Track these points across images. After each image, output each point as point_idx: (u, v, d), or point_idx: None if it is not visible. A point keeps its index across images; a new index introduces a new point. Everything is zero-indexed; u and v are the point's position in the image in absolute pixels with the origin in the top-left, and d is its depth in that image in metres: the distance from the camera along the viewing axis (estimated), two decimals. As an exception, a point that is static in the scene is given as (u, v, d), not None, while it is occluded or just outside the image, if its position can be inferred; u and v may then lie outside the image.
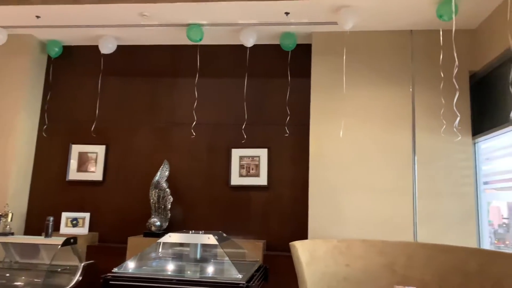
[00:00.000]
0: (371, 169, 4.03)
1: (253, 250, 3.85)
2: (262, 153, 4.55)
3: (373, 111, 4.14)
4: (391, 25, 4.18)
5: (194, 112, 4.72)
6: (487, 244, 3.81)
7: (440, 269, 3.34)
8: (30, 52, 4.80)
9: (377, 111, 4.14)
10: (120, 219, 4.59)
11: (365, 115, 4.14)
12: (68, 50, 5.04)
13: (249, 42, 4.36)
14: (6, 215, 3.26)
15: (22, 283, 3.29)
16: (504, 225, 3.63)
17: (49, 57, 5.06)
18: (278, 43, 4.62)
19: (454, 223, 3.84)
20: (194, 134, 4.68)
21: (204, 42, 4.77)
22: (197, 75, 4.79)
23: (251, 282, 2.65)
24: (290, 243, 3.41)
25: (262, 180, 4.50)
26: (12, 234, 3.29)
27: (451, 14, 3.61)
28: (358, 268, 3.53)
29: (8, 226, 3.27)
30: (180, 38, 4.73)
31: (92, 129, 4.79)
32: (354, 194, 4.01)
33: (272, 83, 4.70)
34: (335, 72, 4.24)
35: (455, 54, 3.98)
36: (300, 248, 3.35)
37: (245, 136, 4.59)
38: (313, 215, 4.00)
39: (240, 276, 2.64)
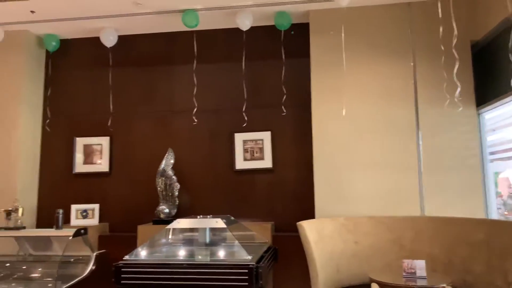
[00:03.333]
0: (375, 146, 4.03)
1: (261, 232, 3.89)
2: (266, 136, 4.56)
3: (374, 87, 4.12)
4: (389, -1, 4.12)
5: (194, 98, 4.72)
6: (495, 216, 3.82)
7: (447, 242, 3.37)
8: (27, 47, 4.78)
9: (379, 87, 4.11)
10: (129, 209, 4.65)
11: (367, 91, 4.12)
12: (66, 44, 5.02)
13: (245, 25, 4.32)
14: (16, 210, 3.31)
15: (38, 275, 3.37)
16: None
17: (47, 52, 5.05)
18: (273, 23, 4.57)
19: (461, 195, 3.85)
20: (196, 120, 4.69)
21: (200, 27, 4.73)
22: (195, 62, 4.77)
23: (261, 263, 2.69)
24: (298, 223, 3.44)
25: (266, 163, 4.52)
26: (24, 228, 3.35)
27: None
28: (366, 244, 3.57)
29: (19, 221, 3.33)
30: (176, 25, 4.69)
31: (109, 123, 4.79)
32: (359, 171, 4.02)
33: (269, 65, 4.67)
34: (334, 50, 4.21)
35: (454, 24, 3.92)
36: (307, 227, 3.38)
37: (246, 119, 4.59)
38: (319, 194, 4.03)
39: (249, 257, 2.68)
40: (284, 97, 4.56)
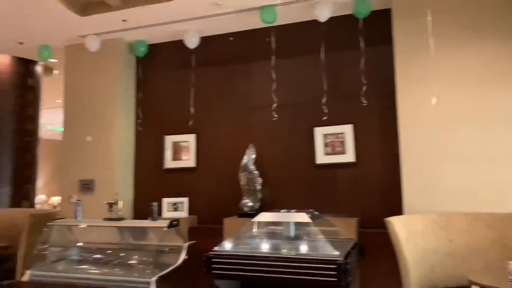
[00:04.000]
0: (471, 136, 3.69)
1: (346, 228, 3.81)
2: (347, 129, 4.45)
3: (470, 73, 3.77)
4: (484, -25, 3.75)
5: (273, 94, 4.75)
6: None
7: (560, 242, 3.00)
8: (120, 54, 5.21)
9: (473, 72, 3.76)
10: (215, 202, 4.84)
11: (460, 77, 3.79)
12: (153, 48, 5.36)
13: (323, 16, 4.24)
14: (117, 203, 3.64)
15: (135, 262, 3.66)
16: None
17: (137, 57, 5.44)
18: (351, 12, 4.40)
19: None
20: (276, 116, 4.72)
21: (277, 22, 4.73)
22: (273, 57, 4.80)
23: (348, 259, 2.64)
24: (386, 219, 3.30)
25: (349, 156, 4.41)
26: (124, 219, 3.67)
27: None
28: (462, 243, 3.31)
29: (120, 212, 3.65)
30: (254, 23, 4.76)
31: (191, 122, 5.03)
32: (453, 164, 3.72)
33: (348, 55, 4.53)
34: (420, 35, 3.93)
35: None
36: (397, 224, 3.24)
37: (326, 111, 4.51)
38: (408, 189, 3.82)
39: (337, 253, 2.64)
40: (365, 88, 4.40)
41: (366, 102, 4.40)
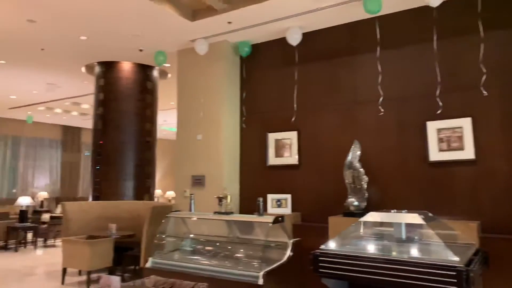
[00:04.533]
0: None
1: (465, 232, 3.45)
2: (465, 123, 4.03)
3: None
4: None
5: (379, 87, 4.52)
6: None
7: None
8: (226, 55, 5.45)
9: None
10: (318, 200, 4.79)
11: None
12: (256, 48, 5.50)
13: (436, 0, 3.89)
14: (225, 197, 3.82)
15: (241, 255, 3.80)
16: None
17: (241, 57, 5.63)
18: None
19: None
20: (382, 110, 4.49)
21: (382, 12, 4.48)
22: (378, 49, 4.56)
23: (471, 266, 2.38)
24: (515, 224, 2.91)
25: (467, 153, 3.99)
26: (232, 213, 3.84)
27: None
28: None
29: (228, 206, 3.83)
30: (357, 14, 4.58)
31: (293, 119, 5.05)
32: None
33: (465, 41, 4.09)
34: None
35: None
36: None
37: (440, 104, 4.14)
38: (543, 190, 3.32)
39: (456, 258, 2.40)
40: (485, 77, 3.93)
41: (486, 92, 3.94)
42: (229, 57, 5.51)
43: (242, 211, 5.27)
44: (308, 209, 4.85)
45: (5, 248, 7.52)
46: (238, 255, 3.86)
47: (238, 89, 5.62)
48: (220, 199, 3.84)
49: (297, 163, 5.01)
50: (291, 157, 5.07)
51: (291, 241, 3.54)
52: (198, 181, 5.36)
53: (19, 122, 11.39)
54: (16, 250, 7.43)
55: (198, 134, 5.46)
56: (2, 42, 5.72)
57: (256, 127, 5.43)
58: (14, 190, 11.45)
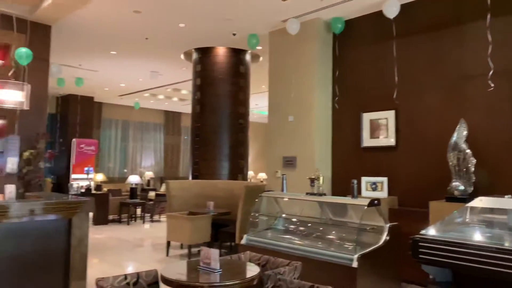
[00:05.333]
0: None
1: None
2: None
3: None
4: None
5: (489, 59, 4.03)
6: None
7: None
8: (317, 34, 5.32)
9: None
10: (417, 183, 4.50)
11: None
12: (349, 24, 5.27)
13: None
14: (318, 178, 3.77)
15: (335, 237, 3.74)
16: None
17: (333, 35, 5.45)
18: None
19: None
20: (492, 85, 4.00)
21: (499, -28, 3.95)
22: (488, 16, 4.04)
23: None
24: None
25: None
26: (325, 194, 3.79)
27: None
28: None
29: (320, 188, 3.78)
30: (467, -23, 4.11)
31: (394, 96, 4.71)
32: None
33: None
34: None
35: None
36: None
37: None
38: None
39: None
40: None
41: None
42: (321, 35, 5.37)
43: (334, 193, 5.19)
44: (406, 193, 4.58)
45: (119, 221, 8.45)
46: (331, 236, 3.81)
47: (330, 68, 5.47)
48: (312, 180, 3.80)
49: (394, 144, 4.74)
50: (387, 138, 4.81)
51: (388, 225, 3.39)
52: (290, 162, 5.39)
53: (128, 108, 12.57)
54: (128, 223, 8.30)
55: (289, 116, 5.46)
56: (113, 34, 6.31)
57: (349, 107, 5.25)
58: (125, 170, 12.74)
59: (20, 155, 5.27)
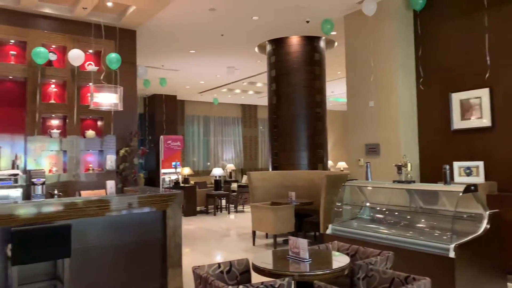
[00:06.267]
0: None
1: None
2: None
3: None
4: None
5: None
6: None
7: None
8: (396, 12, 5.02)
9: None
10: (520, 167, 4.07)
11: None
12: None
13: None
14: (405, 165, 3.58)
15: (426, 226, 3.53)
16: None
17: (414, 12, 5.11)
18: None
19: None
20: None
21: None
22: None
23: None
24: None
25: None
26: (413, 182, 3.58)
27: None
28: None
29: (409, 175, 3.58)
30: None
31: (487, 74, 4.29)
32: None
33: None
34: None
35: None
36: None
37: None
38: None
39: None
40: None
41: None
42: (400, 13, 5.06)
43: (423, 180, 4.89)
44: (506, 178, 4.17)
45: (206, 212, 8.87)
46: (421, 225, 3.61)
47: (412, 47, 5.14)
48: (399, 167, 3.62)
49: (490, 125, 4.33)
50: (482, 119, 4.41)
51: (488, 212, 3.12)
52: (373, 149, 5.19)
53: (207, 104, 13.07)
54: (214, 214, 8.68)
55: (369, 101, 5.25)
56: (191, 34, 6.59)
57: (435, 87, 4.89)
58: (208, 163, 13.32)
59: (117, 153, 5.76)
